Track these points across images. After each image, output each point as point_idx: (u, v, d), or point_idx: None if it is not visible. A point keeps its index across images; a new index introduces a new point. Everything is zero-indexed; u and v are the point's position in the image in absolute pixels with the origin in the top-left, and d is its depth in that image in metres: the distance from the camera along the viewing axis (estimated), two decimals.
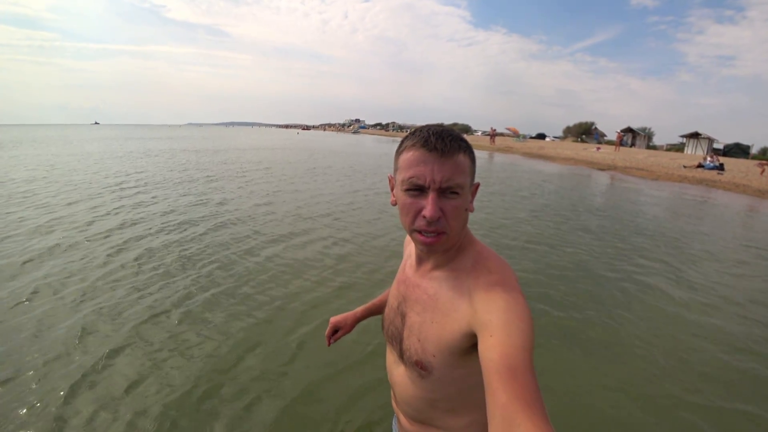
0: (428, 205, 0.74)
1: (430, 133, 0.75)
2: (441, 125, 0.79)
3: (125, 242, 4.78)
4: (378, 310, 1.30)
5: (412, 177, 0.75)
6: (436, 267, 0.87)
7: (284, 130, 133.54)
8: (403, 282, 0.96)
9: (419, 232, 0.78)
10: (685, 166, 19.84)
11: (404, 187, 0.77)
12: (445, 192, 0.75)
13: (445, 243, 0.80)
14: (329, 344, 1.28)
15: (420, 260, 0.91)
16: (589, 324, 3.25)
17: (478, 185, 0.84)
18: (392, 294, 1.00)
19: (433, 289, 0.85)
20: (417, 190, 0.76)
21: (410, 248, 0.99)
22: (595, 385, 2.49)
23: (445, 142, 0.73)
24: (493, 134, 38.14)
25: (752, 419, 2.27)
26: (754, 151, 40.43)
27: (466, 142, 0.78)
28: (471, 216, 0.87)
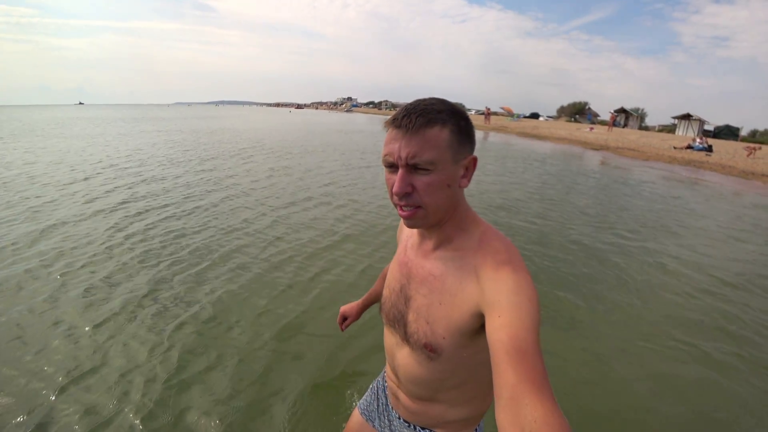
0: (396, 180, 0.75)
1: (403, 110, 0.76)
2: (422, 100, 0.78)
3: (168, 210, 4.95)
4: (377, 297, 1.34)
5: (386, 155, 0.77)
6: (438, 246, 0.86)
7: (275, 108, 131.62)
8: (405, 264, 0.94)
9: (398, 207, 0.79)
10: (675, 147, 20.15)
11: (384, 165, 0.80)
12: (415, 168, 0.75)
13: (426, 218, 0.79)
14: (342, 330, 1.40)
15: (422, 239, 0.91)
16: (576, 299, 3.48)
17: (473, 159, 0.81)
18: (392, 276, 0.99)
19: (438, 270, 0.84)
20: (391, 167, 0.77)
21: (409, 229, 0.99)
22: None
23: (411, 119, 0.73)
24: (488, 113, 38.15)
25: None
26: (743, 133, 41.00)
27: (448, 114, 0.75)
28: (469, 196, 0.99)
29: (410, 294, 0.90)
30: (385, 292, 1.01)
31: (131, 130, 19.88)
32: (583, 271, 4.07)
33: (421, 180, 0.75)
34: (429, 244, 0.88)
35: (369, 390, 1.27)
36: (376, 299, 1.34)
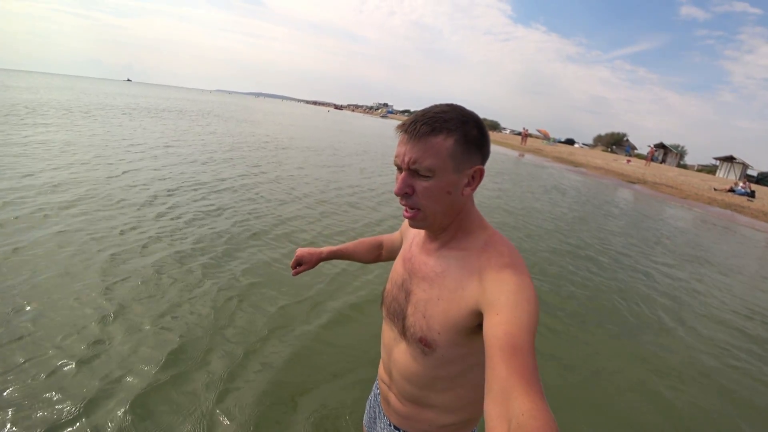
0: (398, 182, 0.81)
1: (413, 117, 0.80)
2: (436, 106, 0.81)
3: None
4: (343, 256, 1.30)
5: (395, 157, 0.82)
6: (444, 245, 0.89)
7: (312, 106, 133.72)
8: (409, 260, 0.97)
9: (404, 206, 0.85)
10: (715, 189, 19.87)
11: (395, 165, 0.84)
12: (416, 173, 0.79)
13: (425, 220, 0.84)
14: (293, 275, 1.27)
15: (428, 238, 0.93)
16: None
17: (479, 169, 0.82)
18: (395, 271, 1.02)
19: (441, 267, 0.86)
20: (399, 169, 0.82)
21: None
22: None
23: (416, 126, 0.77)
24: (525, 135, 38.19)
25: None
26: None
27: (456, 123, 0.77)
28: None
29: (411, 289, 0.92)
30: (388, 286, 1.03)
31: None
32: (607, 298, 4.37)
33: (420, 184, 0.79)
34: (434, 242, 0.90)
35: (367, 403, 1.29)
36: (341, 257, 1.30)
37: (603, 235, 7.01)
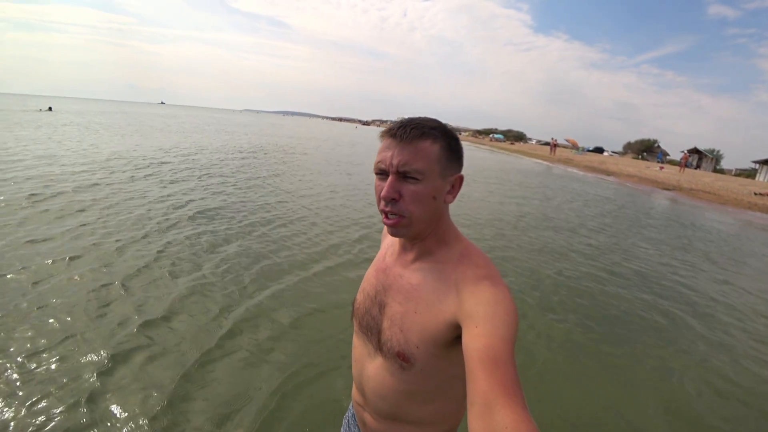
0: (385, 186, 0.79)
1: (400, 122, 0.81)
2: (417, 117, 0.83)
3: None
4: None
5: (378, 162, 0.80)
6: (420, 257, 0.88)
7: (337, 123, 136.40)
8: (383, 271, 0.95)
9: (384, 214, 0.82)
10: (756, 193, 19.52)
11: (375, 171, 0.83)
12: (404, 176, 0.78)
13: (409, 227, 0.82)
14: None
15: (403, 249, 0.92)
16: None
17: (459, 177, 0.85)
18: (368, 282, 0.99)
19: (416, 280, 0.86)
20: (382, 173, 0.81)
21: (392, 237, 0.99)
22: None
23: (406, 130, 0.78)
24: (554, 145, 38.21)
25: None
26: None
27: (440, 131, 0.80)
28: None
29: (386, 301, 0.90)
30: (359, 297, 1.00)
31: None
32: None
33: (408, 188, 0.78)
34: (410, 254, 0.89)
35: (342, 426, 1.23)
36: None
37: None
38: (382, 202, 0.80)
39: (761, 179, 38.36)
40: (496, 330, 0.66)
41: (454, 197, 0.85)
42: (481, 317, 0.69)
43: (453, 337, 0.79)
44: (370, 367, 0.94)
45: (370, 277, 0.99)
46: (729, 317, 4.16)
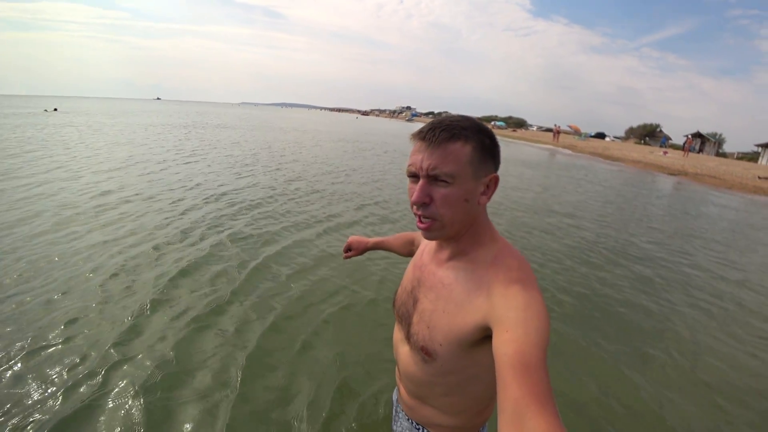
0: (416, 191, 0.80)
1: (429, 124, 0.80)
2: (450, 116, 0.82)
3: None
4: (384, 247, 1.42)
5: (409, 165, 0.81)
6: (454, 257, 0.89)
7: (336, 113, 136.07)
8: (420, 267, 0.98)
9: (417, 217, 0.83)
10: (760, 177, 19.73)
11: (407, 175, 0.84)
12: (435, 180, 0.78)
13: (441, 230, 0.83)
14: (344, 258, 1.44)
15: (439, 248, 0.93)
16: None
17: (494, 177, 0.83)
18: (407, 276, 1.03)
19: (449, 279, 0.87)
20: (413, 177, 0.82)
21: None
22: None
23: (434, 133, 0.77)
24: (557, 131, 38.38)
25: None
26: None
27: (472, 131, 0.79)
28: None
29: (419, 297, 0.94)
30: (399, 290, 1.05)
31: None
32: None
33: (439, 191, 0.79)
34: (445, 253, 0.91)
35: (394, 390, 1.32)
36: (383, 248, 1.43)
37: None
38: (414, 206, 0.82)
39: (764, 162, 38.52)
40: (527, 336, 0.65)
41: (489, 198, 0.85)
42: (512, 322, 0.69)
43: (479, 338, 0.80)
44: (401, 351, 1.02)
45: (408, 272, 1.04)
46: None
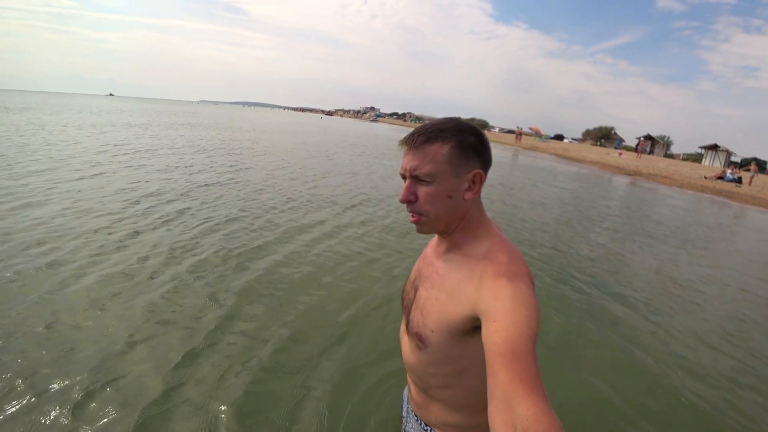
0: (402, 190, 0.87)
1: (413, 130, 0.87)
2: (436, 120, 0.88)
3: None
4: None
5: (400, 170, 0.89)
6: (450, 249, 0.94)
7: (300, 113, 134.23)
8: (423, 259, 1.05)
9: (410, 213, 0.90)
10: (705, 177, 21.17)
11: (401, 177, 0.90)
12: (418, 180, 0.85)
13: (429, 224, 0.89)
14: None
15: (439, 241, 0.99)
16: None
17: (478, 173, 0.87)
18: (414, 269, 1.09)
19: (444, 270, 0.92)
20: (403, 178, 0.89)
21: None
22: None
23: (414, 137, 0.85)
24: (519, 133, 39.58)
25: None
26: None
27: (451, 132, 0.84)
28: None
29: (418, 285, 0.99)
30: (406, 282, 1.10)
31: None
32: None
33: (422, 190, 0.85)
34: (443, 246, 0.96)
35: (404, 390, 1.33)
36: None
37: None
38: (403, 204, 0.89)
39: (707, 163, 41.43)
40: (515, 324, 0.67)
41: (475, 193, 0.88)
42: (499, 312, 0.71)
43: (468, 329, 0.83)
44: (403, 342, 1.06)
45: (415, 266, 1.09)
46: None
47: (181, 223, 4.75)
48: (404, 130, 46.13)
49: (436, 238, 1.02)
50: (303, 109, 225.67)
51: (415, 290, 1.00)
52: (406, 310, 1.02)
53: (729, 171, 21.98)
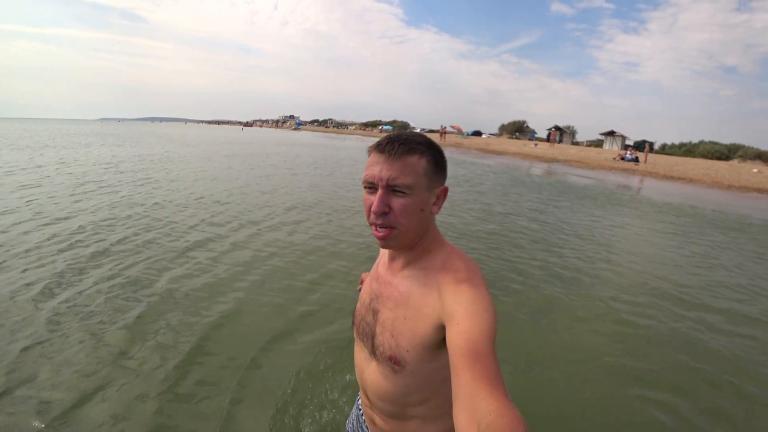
0: (375, 200, 0.82)
1: (387, 138, 0.84)
2: (404, 132, 0.87)
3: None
4: None
5: (367, 176, 0.84)
6: (406, 265, 0.92)
7: (217, 126, 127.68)
8: (376, 279, 1.00)
9: (374, 226, 0.85)
10: (614, 159, 24.25)
11: (363, 185, 0.86)
12: (393, 190, 0.81)
13: (398, 238, 0.85)
14: (358, 290, 1.25)
15: (392, 258, 0.96)
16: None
17: (444, 189, 0.88)
18: (365, 291, 1.04)
19: (404, 287, 0.89)
20: (371, 187, 0.84)
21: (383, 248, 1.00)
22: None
23: (394, 146, 0.81)
24: (443, 132, 41.44)
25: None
26: (656, 147, 48.73)
27: (426, 146, 0.84)
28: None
29: (378, 308, 0.95)
30: (357, 306, 1.05)
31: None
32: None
33: (397, 201, 0.82)
34: (398, 263, 0.93)
35: (347, 425, 1.27)
36: None
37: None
38: (373, 215, 0.84)
39: (606, 147, 46.58)
40: (476, 326, 0.69)
41: (440, 208, 0.90)
42: (461, 316, 0.73)
43: (440, 339, 0.82)
44: (367, 372, 0.98)
45: (366, 286, 1.05)
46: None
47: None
48: (329, 137, 47.13)
49: (386, 256, 0.99)
50: (219, 122, 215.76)
51: (375, 312, 0.96)
52: (367, 336, 0.97)
53: (628, 153, 25.12)
